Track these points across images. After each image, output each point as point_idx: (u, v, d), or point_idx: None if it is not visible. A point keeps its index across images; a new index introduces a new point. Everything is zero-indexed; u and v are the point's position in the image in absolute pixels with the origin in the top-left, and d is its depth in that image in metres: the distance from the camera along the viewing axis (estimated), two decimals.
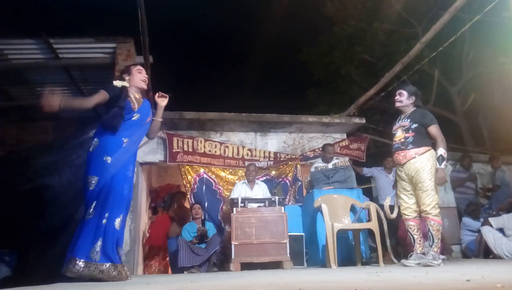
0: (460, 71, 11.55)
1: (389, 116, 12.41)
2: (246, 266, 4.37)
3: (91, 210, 2.73)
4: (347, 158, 6.00)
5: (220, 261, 4.98)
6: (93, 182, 2.75)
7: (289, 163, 6.34)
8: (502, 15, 7.46)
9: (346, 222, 4.59)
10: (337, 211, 4.66)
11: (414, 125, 3.70)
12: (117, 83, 3.06)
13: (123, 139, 2.92)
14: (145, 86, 3.20)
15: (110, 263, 2.71)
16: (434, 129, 3.67)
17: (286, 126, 6.43)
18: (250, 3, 12.71)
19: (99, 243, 2.68)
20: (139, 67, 3.23)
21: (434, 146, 3.72)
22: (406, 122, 3.77)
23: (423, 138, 3.68)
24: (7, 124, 6.50)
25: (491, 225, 5.10)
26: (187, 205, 6.38)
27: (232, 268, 4.29)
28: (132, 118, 2.99)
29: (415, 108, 3.84)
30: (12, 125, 6.54)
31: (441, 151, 3.56)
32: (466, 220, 5.81)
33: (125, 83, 3.09)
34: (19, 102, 6.16)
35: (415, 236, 3.80)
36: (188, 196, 5.96)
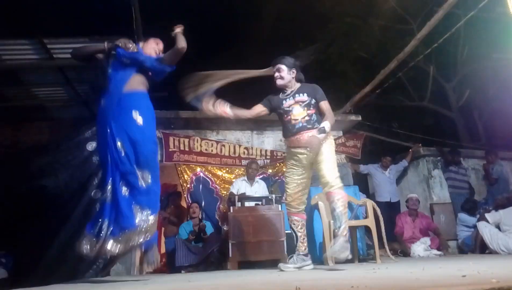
0: (455, 67, 11.58)
1: (386, 113, 12.46)
2: (244, 265, 4.38)
3: None
4: (343, 156, 6.02)
5: (218, 260, 4.98)
6: None
7: None
8: (496, 11, 7.48)
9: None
10: None
11: (313, 101, 3.30)
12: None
13: None
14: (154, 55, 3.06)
15: None
16: (326, 104, 3.29)
17: None
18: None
19: None
20: (159, 40, 3.13)
21: None
22: (304, 97, 3.31)
23: (320, 116, 3.30)
24: (2, 125, 6.45)
25: (487, 221, 5.12)
26: (183, 204, 6.38)
27: (230, 267, 4.30)
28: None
29: (300, 83, 3.44)
30: (8, 126, 6.48)
31: (327, 124, 3.13)
32: (462, 216, 5.84)
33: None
34: (14, 103, 6.11)
35: (299, 234, 3.35)
36: (185, 195, 5.96)
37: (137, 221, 2.58)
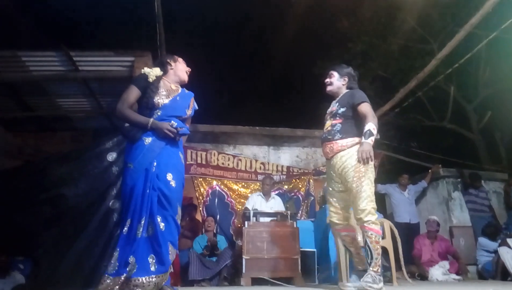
0: (476, 88, 11.42)
1: (404, 133, 12.32)
2: (257, 281, 4.33)
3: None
4: None
5: (231, 275, 4.94)
6: None
7: (302, 177, 6.31)
8: None
9: (359, 239, 4.52)
10: None
11: (342, 110, 3.12)
12: (147, 70, 2.87)
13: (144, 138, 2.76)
14: (186, 79, 3.05)
15: None
16: (363, 107, 3.05)
17: (299, 140, 6.43)
18: (265, 17, 12.87)
19: None
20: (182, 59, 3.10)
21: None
22: (334, 107, 3.20)
23: (351, 126, 3.08)
24: (25, 134, 6.63)
25: (509, 246, 4.97)
26: (198, 217, 6.39)
27: (243, 283, 4.25)
28: (154, 116, 2.79)
29: (347, 90, 3.30)
30: (31, 135, 6.66)
31: (370, 126, 2.92)
32: (483, 240, 5.68)
33: (158, 72, 2.90)
34: (38, 113, 6.29)
35: (352, 249, 3.32)
36: (200, 208, 5.97)
37: (170, 259, 2.54)
